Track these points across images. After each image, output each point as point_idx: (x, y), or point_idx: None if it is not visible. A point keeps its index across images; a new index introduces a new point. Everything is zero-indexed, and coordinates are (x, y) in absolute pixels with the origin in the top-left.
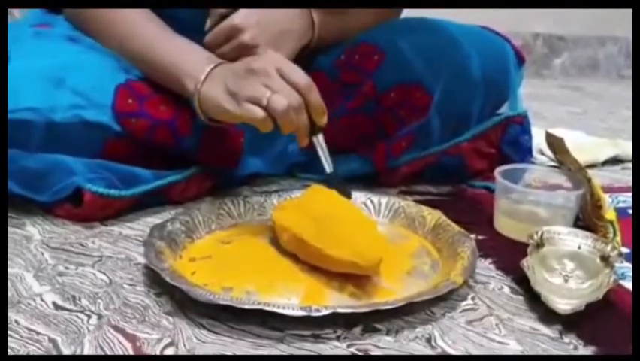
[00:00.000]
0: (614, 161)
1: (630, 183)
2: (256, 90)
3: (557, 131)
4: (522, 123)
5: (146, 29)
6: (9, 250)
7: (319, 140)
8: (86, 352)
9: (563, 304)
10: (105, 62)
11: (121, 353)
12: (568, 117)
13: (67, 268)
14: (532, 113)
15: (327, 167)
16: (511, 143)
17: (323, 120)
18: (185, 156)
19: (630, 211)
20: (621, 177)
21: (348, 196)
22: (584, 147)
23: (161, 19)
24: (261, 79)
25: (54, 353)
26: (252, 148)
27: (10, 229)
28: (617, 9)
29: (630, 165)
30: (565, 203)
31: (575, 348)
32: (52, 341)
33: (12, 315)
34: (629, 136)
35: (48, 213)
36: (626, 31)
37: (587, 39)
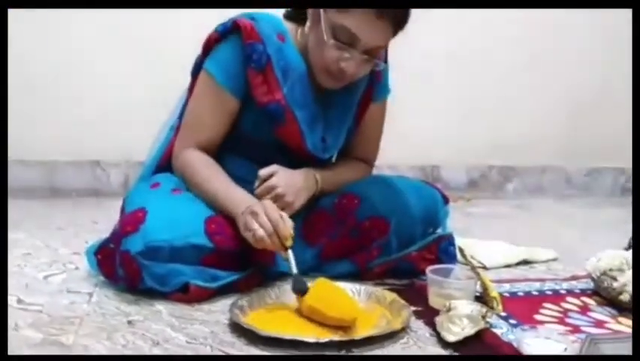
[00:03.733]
0: (526, 262)
1: (528, 277)
2: (251, 226)
3: (492, 243)
4: (449, 239)
5: (215, 184)
6: (150, 321)
7: (288, 253)
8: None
9: (451, 338)
10: (196, 206)
11: None
12: (514, 232)
13: (187, 325)
14: (492, 232)
15: (293, 270)
16: (443, 252)
17: (287, 243)
18: (246, 256)
19: (520, 294)
20: (525, 273)
21: (305, 288)
22: (504, 253)
23: (230, 175)
24: (255, 218)
25: None
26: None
27: (145, 307)
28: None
29: (536, 265)
30: (467, 287)
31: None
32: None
33: (169, 346)
34: (546, 244)
35: (167, 298)
36: (564, 162)
37: (532, 168)
